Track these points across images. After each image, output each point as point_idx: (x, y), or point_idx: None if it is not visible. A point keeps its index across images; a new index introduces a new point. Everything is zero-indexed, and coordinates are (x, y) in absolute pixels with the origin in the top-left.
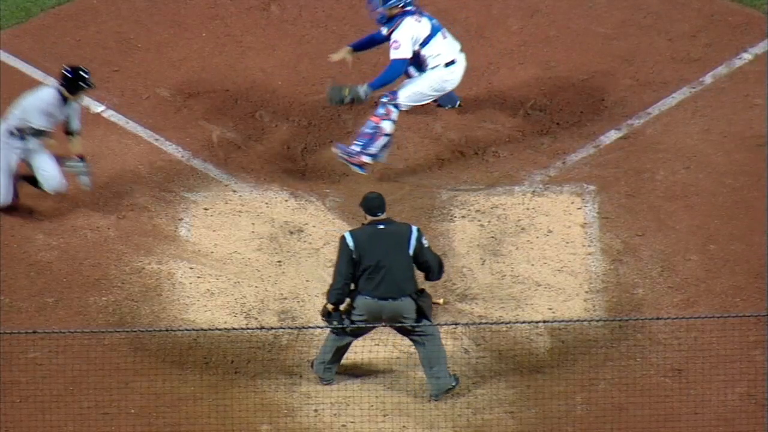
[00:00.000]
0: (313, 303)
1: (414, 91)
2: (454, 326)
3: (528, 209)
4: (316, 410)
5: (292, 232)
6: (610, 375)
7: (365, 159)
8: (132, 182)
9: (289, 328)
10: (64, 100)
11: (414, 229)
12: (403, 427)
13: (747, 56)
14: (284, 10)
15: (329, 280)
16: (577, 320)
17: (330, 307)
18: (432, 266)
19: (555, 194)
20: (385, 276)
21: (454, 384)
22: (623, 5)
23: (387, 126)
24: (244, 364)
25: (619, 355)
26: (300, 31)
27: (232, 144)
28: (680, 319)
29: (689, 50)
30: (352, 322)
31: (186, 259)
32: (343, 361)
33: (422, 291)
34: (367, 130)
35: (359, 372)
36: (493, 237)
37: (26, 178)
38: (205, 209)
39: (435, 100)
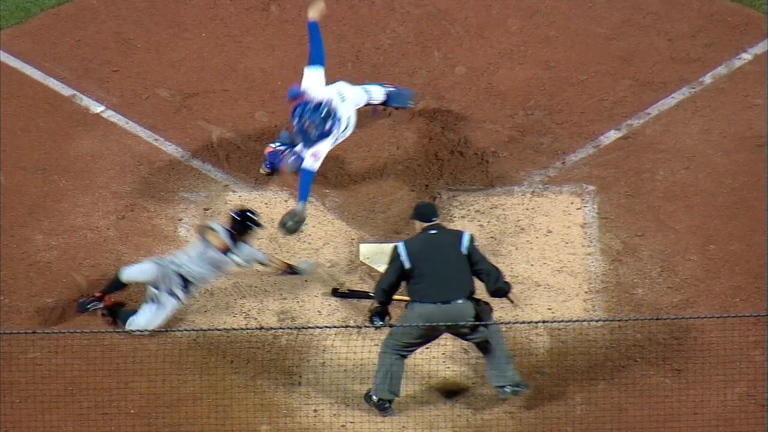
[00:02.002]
0: (313, 303)
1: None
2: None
3: (527, 209)
4: (315, 410)
5: None
6: (610, 375)
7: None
8: (132, 182)
9: (288, 328)
10: (234, 241)
11: (466, 233)
12: (403, 427)
13: (746, 56)
14: (284, 10)
15: (330, 280)
16: (577, 320)
17: (375, 304)
18: (488, 271)
19: (554, 194)
20: (440, 279)
21: (520, 385)
22: (623, 5)
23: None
24: (244, 364)
25: (619, 355)
26: (300, 31)
27: (232, 144)
28: (680, 319)
29: (689, 50)
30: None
31: None
32: (344, 362)
33: (479, 300)
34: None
35: (359, 372)
36: (492, 237)
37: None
38: (205, 209)
39: (384, 104)
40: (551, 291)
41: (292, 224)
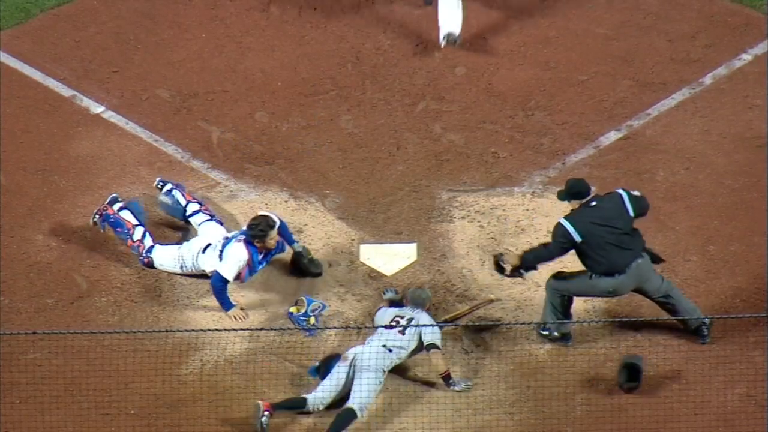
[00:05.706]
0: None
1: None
2: (454, 326)
3: (528, 210)
4: None
5: None
6: (610, 375)
7: None
8: (132, 183)
9: (288, 328)
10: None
11: (623, 193)
12: (403, 427)
13: (747, 57)
14: (284, 11)
15: (330, 281)
16: (577, 321)
17: (517, 265)
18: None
19: (554, 195)
20: (615, 248)
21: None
22: (623, 6)
23: None
24: (244, 364)
25: (619, 355)
26: (299, 32)
27: (232, 144)
28: (680, 319)
29: (689, 51)
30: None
31: None
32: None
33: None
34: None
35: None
36: (492, 238)
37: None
38: None
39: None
40: None
41: None
